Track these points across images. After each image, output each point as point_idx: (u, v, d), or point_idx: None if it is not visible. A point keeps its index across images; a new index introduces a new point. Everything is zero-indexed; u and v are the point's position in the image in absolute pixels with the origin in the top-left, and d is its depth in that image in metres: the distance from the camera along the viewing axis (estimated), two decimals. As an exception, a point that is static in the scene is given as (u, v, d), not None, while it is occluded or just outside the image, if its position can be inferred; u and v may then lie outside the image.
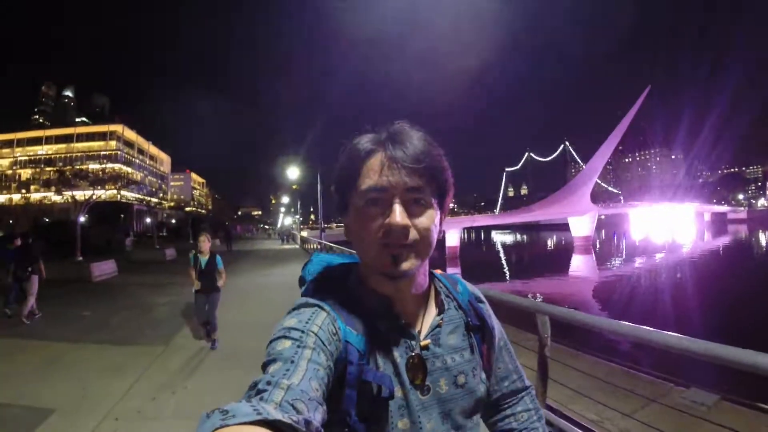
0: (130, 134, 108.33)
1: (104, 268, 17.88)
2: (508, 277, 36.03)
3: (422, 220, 0.86)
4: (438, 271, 1.08)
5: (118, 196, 31.46)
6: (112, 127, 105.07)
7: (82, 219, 64.50)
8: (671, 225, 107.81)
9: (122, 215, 28.39)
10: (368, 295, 0.92)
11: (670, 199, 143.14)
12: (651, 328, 2.58)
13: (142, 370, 6.11)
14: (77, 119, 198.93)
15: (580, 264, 43.14)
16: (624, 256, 50.04)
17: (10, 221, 59.74)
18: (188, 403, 4.96)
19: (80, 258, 22.01)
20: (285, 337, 0.75)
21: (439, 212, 0.91)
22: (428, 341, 0.91)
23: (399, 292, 0.92)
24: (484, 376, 0.99)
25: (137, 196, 58.51)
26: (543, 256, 59.65)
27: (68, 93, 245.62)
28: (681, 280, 29.97)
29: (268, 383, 0.63)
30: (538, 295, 23.97)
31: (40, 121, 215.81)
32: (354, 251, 0.96)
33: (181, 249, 32.36)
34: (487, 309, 1.07)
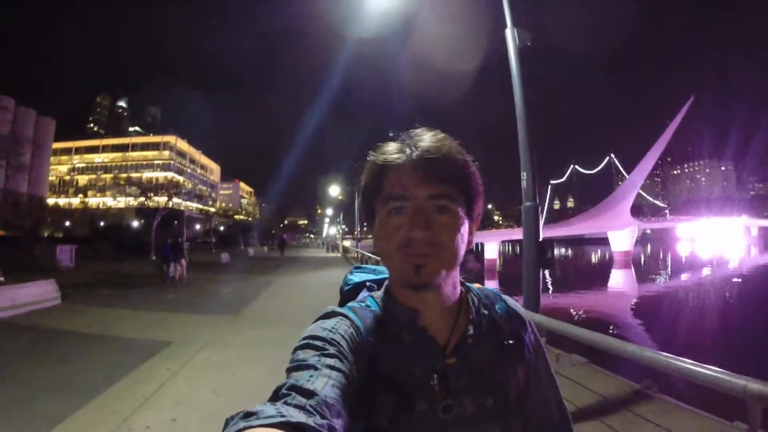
0: (183, 144, 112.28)
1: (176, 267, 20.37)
2: (546, 290, 33.39)
3: (446, 229, 0.83)
4: (476, 285, 1.05)
5: (170, 203, 33.60)
6: (166, 138, 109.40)
7: (135, 223, 67.60)
8: (718, 239, 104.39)
9: (176, 221, 30.32)
10: (395, 307, 0.91)
11: (717, 213, 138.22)
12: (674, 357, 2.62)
13: (221, 327, 9.10)
14: (130, 129, 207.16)
15: (619, 279, 42.34)
16: (666, 272, 48.61)
17: (67, 223, 62.09)
18: (252, 341, 7.97)
19: (154, 257, 24.30)
20: (309, 345, 0.76)
21: (467, 221, 0.88)
22: (454, 358, 0.87)
23: (425, 304, 0.88)
24: (519, 404, 0.91)
25: (192, 204, 61.32)
26: (584, 270, 57.67)
27: (122, 104, 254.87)
28: (720, 299, 28.99)
29: (292, 388, 0.63)
30: (578, 311, 23.36)
31: (95, 129, 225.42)
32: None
33: (233, 254, 35.11)
34: (529, 329, 1.00)
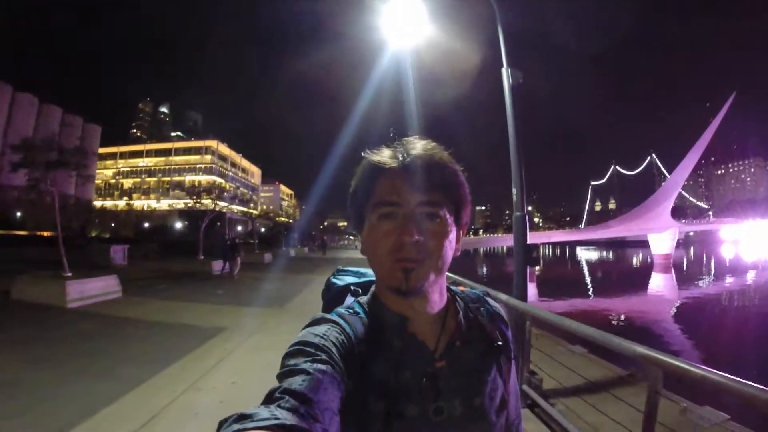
0: (224, 149, 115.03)
1: (221, 266, 22.10)
2: (584, 294, 34.78)
3: (435, 235, 0.85)
4: (461, 288, 1.06)
5: (217, 206, 34.96)
6: (208, 143, 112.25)
7: (179, 225, 69.60)
8: (764, 242, 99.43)
9: (218, 223, 31.63)
10: (383, 312, 0.91)
11: (763, 214, 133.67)
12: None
13: (268, 317, 10.10)
14: (172, 133, 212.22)
15: (659, 283, 40.77)
16: (708, 276, 46.58)
17: (112, 224, 63.95)
18: (295, 328, 8.50)
19: (201, 257, 25.60)
20: (300, 351, 0.76)
21: (455, 229, 0.90)
22: (443, 361, 0.88)
23: (413, 309, 0.89)
24: (503, 402, 0.94)
25: (236, 207, 63.18)
26: (623, 273, 55.94)
27: (164, 109, 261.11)
28: (762, 304, 27.85)
29: (285, 391, 0.63)
30: (617, 315, 23.07)
31: (138, 135, 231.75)
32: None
33: (275, 254, 36.48)
34: (510, 333, 1.03)
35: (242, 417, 0.54)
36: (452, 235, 0.88)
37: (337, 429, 0.66)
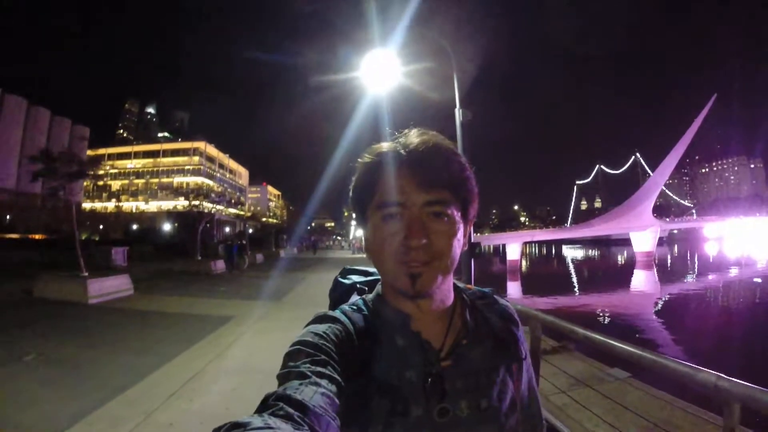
0: (212, 150, 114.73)
1: (219, 266, 23.81)
2: (567, 291, 34.78)
3: (443, 235, 0.81)
4: (469, 287, 1.02)
5: (210, 208, 35.93)
6: (196, 144, 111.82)
7: (168, 227, 69.94)
8: (747, 239, 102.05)
9: (208, 224, 32.47)
10: (387, 310, 0.89)
11: (746, 212, 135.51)
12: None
13: (268, 308, 11.42)
14: (159, 134, 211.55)
15: (641, 280, 41.97)
16: (691, 272, 48.05)
17: (100, 226, 64.10)
18: (293, 316, 10.30)
19: (199, 258, 26.70)
20: (300, 351, 0.74)
21: (462, 225, 0.86)
22: (449, 361, 0.85)
23: (418, 307, 0.87)
24: (513, 404, 0.89)
25: (231, 210, 63.99)
26: (607, 270, 57.44)
27: (150, 110, 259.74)
28: (741, 301, 28.63)
29: (280, 398, 0.62)
30: (599, 311, 23.68)
31: (124, 135, 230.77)
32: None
33: (266, 255, 38.48)
34: (521, 329, 0.99)
35: (236, 426, 0.53)
36: (460, 233, 0.85)
37: None
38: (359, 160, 0.91)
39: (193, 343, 7.41)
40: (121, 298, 12.48)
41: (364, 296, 0.98)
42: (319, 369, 0.70)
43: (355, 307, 0.92)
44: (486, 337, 0.92)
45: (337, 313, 0.88)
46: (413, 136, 0.87)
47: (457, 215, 0.85)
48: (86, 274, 13.06)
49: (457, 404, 0.82)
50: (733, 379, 2.06)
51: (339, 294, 1.08)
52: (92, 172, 14.77)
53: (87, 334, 8.30)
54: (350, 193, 0.92)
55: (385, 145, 0.88)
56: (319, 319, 0.86)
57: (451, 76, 7.47)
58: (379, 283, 0.96)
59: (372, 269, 1.10)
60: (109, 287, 12.39)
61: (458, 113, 7.27)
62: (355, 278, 1.11)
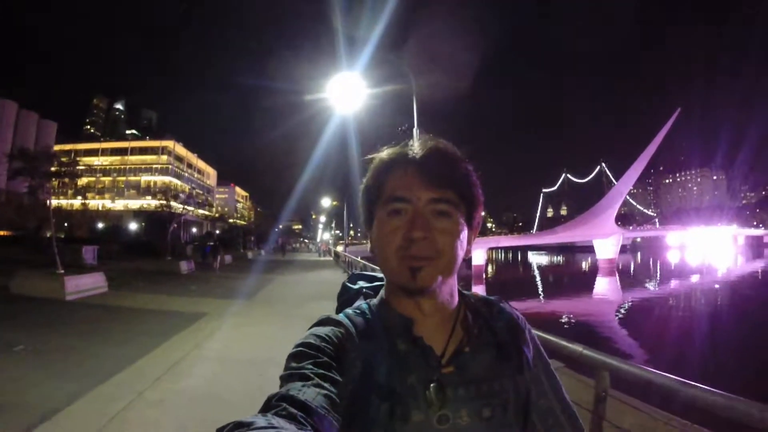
0: (181, 149, 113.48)
1: (189, 266, 24.38)
2: (531, 296, 35.60)
3: (445, 233, 0.83)
4: (474, 293, 1.01)
5: (182, 209, 36.27)
6: (164, 143, 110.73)
7: (134, 226, 69.23)
8: (707, 248, 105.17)
9: (175, 224, 32.46)
10: (390, 314, 0.89)
11: (707, 222, 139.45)
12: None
13: (240, 306, 12.01)
14: (127, 132, 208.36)
15: (604, 286, 43.15)
16: (652, 279, 49.49)
17: (65, 224, 63.14)
18: (263, 312, 11.01)
19: (169, 258, 27.01)
20: (302, 353, 0.75)
21: (466, 228, 0.87)
22: (451, 367, 0.84)
23: (421, 311, 0.87)
24: (518, 416, 0.87)
25: (200, 211, 63.64)
26: (571, 276, 59.32)
27: (119, 106, 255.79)
28: (699, 306, 29.58)
29: (283, 398, 0.63)
30: (567, 316, 24.35)
31: (92, 131, 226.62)
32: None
33: (234, 256, 38.51)
34: (528, 336, 0.96)
35: (239, 425, 0.54)
36: (463, 236, 0.86)
37: None
38: (372, 161, 0.94)
39: (171, 336, 7.98)
40: (97, 294, 12.89)
41: (368, 300, 0.98)
42: (321, 371, 0.71)
43: (358, 311, 0.92)
44: (489, 345, 0.91)
45: (340, 317, 0.89)
46: (422, 142, 0.91)
47: (461, 218, 0.87)
48: (62, 271, 13.44)
49: (458, 412, 0.81)
50: (597, 351, 2.60)
51: (346, 298, 1.08)
52: (71, 172, 15.16)
53: (69, 327, 8.78)
54: (360, 194, 0.95)
55: (396, 149, 0.92)
56: (322, 322, 0.86)
57: (411, 96, 8.25)
58: (383, 288, 0.97)
59: (378, 275, 1.10)
60: (84, 284, 12.76)
61: (416, 132, 8.09)
62: (362, 283, 1.11)
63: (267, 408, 0.62)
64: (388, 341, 0.86)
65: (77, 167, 15.91)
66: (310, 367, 0.71)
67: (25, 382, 5.43)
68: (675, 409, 3.60)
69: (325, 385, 0.69)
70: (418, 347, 0.85)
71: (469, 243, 0.90)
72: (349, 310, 0.93)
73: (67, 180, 15.68)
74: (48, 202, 15.24)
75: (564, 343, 3.00)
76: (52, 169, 14.31)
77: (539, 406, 0.91)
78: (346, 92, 8.27)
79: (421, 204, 0.83)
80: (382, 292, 0.96)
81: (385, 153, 0.91)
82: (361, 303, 0.97)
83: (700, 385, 2.04)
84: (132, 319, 9.76)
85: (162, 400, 4.88)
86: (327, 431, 0.61)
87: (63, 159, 15.68)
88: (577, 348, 2.79)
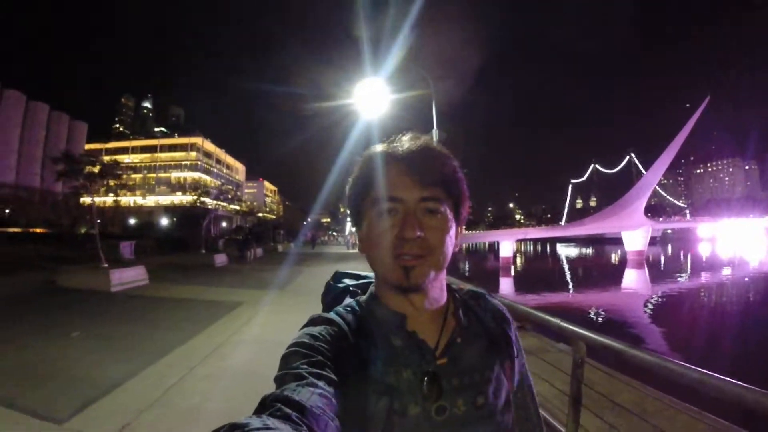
0: (209, 146, 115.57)
1: (222, 259, 25.42)
2: (559, 289, 35.61)
3: (436, 230, 0.84)
4: (460, 286, 1.04)
5: (215, 204, 37.45)
6: (193, 139, 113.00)
7: (165, 222, 70.63)
8: (739, 240, 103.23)
9: (203, 219, 33.52)
10: (382, 310, 0.90)
11: (739, 213, 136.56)
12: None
13: (273, 295, 12.69)
14: (155, 129, 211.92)
15: (633, 278, 42.56)
16: (683, 272, 48.06)
17: (98, 221, 64.63)
18: (295, 302, 11.68)
19: (204, 251, 27.96)
20: (296, 352, 0.76)
21: (455, 224, 0.89)
22: (445, 359, 0.86)
23: (413, 306, 0.88)
24: (508, 402, 0.90)
25: (233, 206, 64.84)
26: (599, 269, 58.11)
27: (147, 104, 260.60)
28: (729, 300, 29.19)
29: (277, 399, 0.63)
30: (595, 309, 24.11)
31: (121, 130, 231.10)
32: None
33: (265, 250, 39.92)
34: (513, 330, 1.00)
35: (234, 427, 0.53)
36: (452, 231, 0.88)
37: None
38: (358, 159, 0.95)
39: (213, 322, 8.66)
40: (139, 287, 13.68)
41: (357, 298, 0.99)
42: (315, 370, 0.72)
43: (348, 309, 0.93)
44: (479, 335, 0.93)
45: (331, 315, 0.90)
46: (407, 140, 0.91)
47: (450, 214, 0.88)
48: (106, 265, 14.26)
49: (454, 402, 0.83)
50: (574, 324, 2.92)
51: (332, 297, 1.10)
52: (114, 174, 16.06)
53: (118, 316, 9.52)
54: (347, 192, 0.95)
55: (381, 147, 0.92)
56: (314, 322, 0.87)
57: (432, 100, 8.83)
58: (373, 284, 0.98)
59: (364, 273, 1.13)
60: (128, 277, 13.58)
61: (435, 133, 8.68)
62: (348, 281, 1.13)
63: (262, 409, 0.62)
64: (382, 337, 0.87)
65: (118, 170, 16.71)
66: (305, 366, 0.72)
67: (87, 360, 6.09)
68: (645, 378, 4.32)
69: (320, 384, 0.69)
70: (413, 341, 0.87)
71: (458, 237, 0.92)
72: (340, 308, 0.94)
73: (111, 182, 16.46)
74: (92, 201, 15.97)
75: (546, 317, 3.31)
76: (95, 170, 15.14)
77: (517, 397, 0.97)
78: (370, 97, 8.81)
79: (412, 203, 0.84)
80: (372, 289, 0.97)
81: (372, 151, 0.92)
82: (350, 301, 0.99)
83: (650, 354, 2.29)
84: (175, 308, 10.46)
85: (210, 375, 5.51)
86: (323, 431, 0.62)
87: (107, 161, 16.47)
88: (556, 321, 3.10)
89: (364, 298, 0.97)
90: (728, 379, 1.92)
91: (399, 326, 0.88)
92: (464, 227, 0.96)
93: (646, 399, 4.35)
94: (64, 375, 5.47)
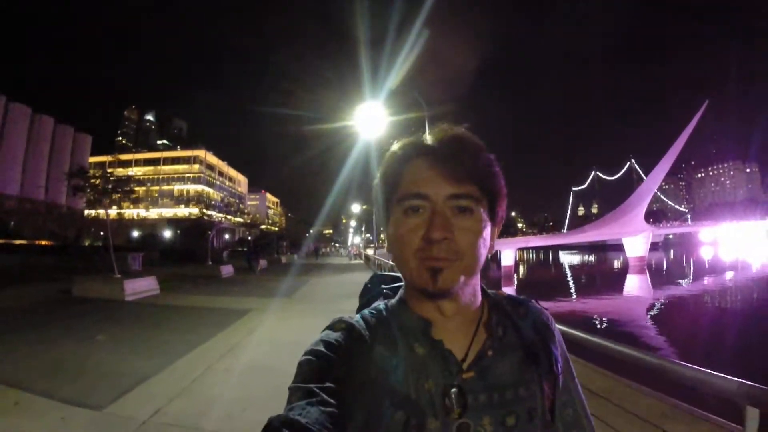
0: (212, 158, 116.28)
1: (229, 270, 25.90)
2: (561, 295, 35.13)
3: (467, 231, 0.76)
4: (499, 292, 0.95)
5: (221, 217, 38.12)
6: (196, 152, 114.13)
7: (168, 234, 71.16)
8: (741, 244, 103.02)
9: (209, 231, 33.85)
10: (408, 316, 0.83)
11: (741, 216, 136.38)
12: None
13: (281, 303, 13.21)
14: (158, 141, 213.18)
15: (634, 284, 43.02)
16: (684, 277, 48.55)
17: (100, 233, 65.14)
18: (302, 309, 12.21)
19: (210, 263, 28.50)
20: (310, 361, 0.74)
21: (489, 224, 0.80)
22: (472, 372, 0.78)
23: (441, 312, 0.81)
24: (545, 425, 0.80)
25: (236, 219, 65.51)
26: (601, 275, 58.09)
27: (149, 117, 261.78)
28: (731, 304, 29.57)
29: (284, 423, 0.60)
30: (597, 315, 24.54)
31: (123, 143, 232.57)
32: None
33: (269, 261, 40.09)
34: (557, 339, 0.90)
35: None
36: (486, 232, 0.80)
37: None
38: (387, 152, 0.88)
39: (226, 326, 9.25)
40: (151, 296, 14.27)
41: (386, 301, 0.91)
42: (329, 384, 0.69)
43: (374, 312, 0.88)
44: (515, 348, 0.84)
45: (354, 320, 0.85)
46: (440, 130, 0.83)
47: (484, 213, 0.80)
48: (119, 275, 14.85)
49: (479, 420, 0.75)
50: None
51: (368, 298, 1.04)
52: (129, 188, 16.73)
53: (135, 322, 10.09)
54: (374, 187, 0.89)
55: (411, 138, 0.85)
56: (334, 327, 0.83)
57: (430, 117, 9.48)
58: (402, 288, 0.90)
59: (399, 275, 0.99)
60: (140, 287, 14.18)
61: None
62: (383, 283, 1.05)
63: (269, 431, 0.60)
64: (405, 344, 0.81)
65: (130, 184, 17.37)
66: (317, 381, 0.70)
67: (114, 359, 6.70)
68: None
69: (331, 401, 0.67)
70: (437, 351, 0.79)
71: (493, 239, 0.84)
72: (365, 312, 0.89)
73: (120, 196, 17.08)
74: (106, 215, 16.58)
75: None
76: (108, 186, 15.80)
77: (565, 415, 0.87)
78: (369, 119, 9.41)
79: (440, 200, 0.77)
80: (400, 293, 0.90)
81: (400, 145, 0.86)
82: (378, 304, 0.92)
83: (618, 344, 2.65)
84: (189, 314, 11.04)
85: (228, 370, 6.13)
86: None
87: (120, 176, 17.13)
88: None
89: (392, 302, 0.90)
90: (685, 363, 2.20)
91: (424, 333, 0.81)
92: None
93: (617, 386, 4.59)
94: (95, 371, 6.06)
